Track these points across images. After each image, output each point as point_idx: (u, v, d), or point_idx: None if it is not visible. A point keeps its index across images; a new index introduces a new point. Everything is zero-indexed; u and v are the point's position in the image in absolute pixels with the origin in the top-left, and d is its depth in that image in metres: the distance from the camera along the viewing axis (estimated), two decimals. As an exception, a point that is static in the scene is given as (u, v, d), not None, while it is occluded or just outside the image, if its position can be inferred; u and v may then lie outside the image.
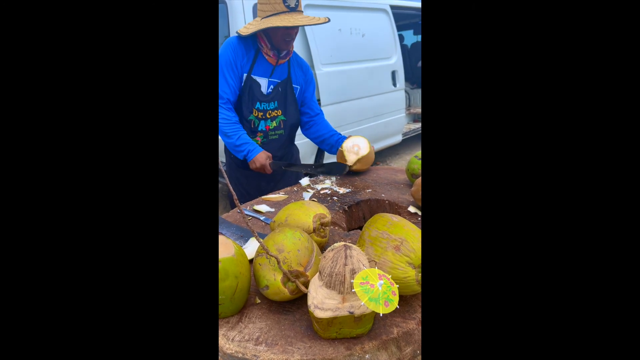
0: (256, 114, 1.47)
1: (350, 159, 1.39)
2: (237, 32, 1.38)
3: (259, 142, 1.52)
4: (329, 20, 1.43)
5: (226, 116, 1.42)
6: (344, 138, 1.54)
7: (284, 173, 1.62)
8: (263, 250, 0.64)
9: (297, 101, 1.57)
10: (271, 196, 1.23)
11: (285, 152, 1.62)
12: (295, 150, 1.71)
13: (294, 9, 1.33)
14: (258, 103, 1.46)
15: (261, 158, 1.41)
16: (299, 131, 1.70)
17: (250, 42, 1.43)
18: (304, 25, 1.33)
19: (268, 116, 1.49)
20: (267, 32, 1.39)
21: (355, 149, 1.42)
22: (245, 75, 1.43)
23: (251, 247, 0.84)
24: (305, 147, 2.73)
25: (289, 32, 1.36)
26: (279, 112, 1.52)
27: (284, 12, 1.32)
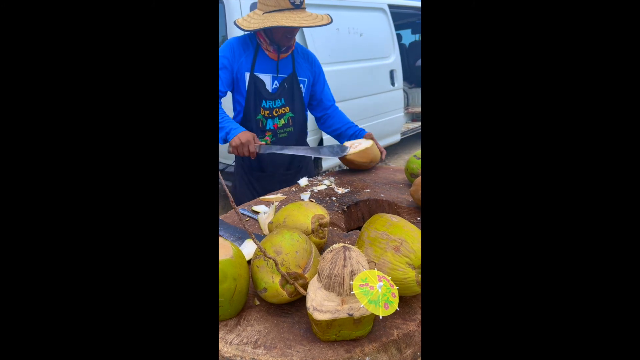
0: (263, 113, 1.45)
1: (349, 152, 1.39)
2: (235, 23, 1.34)
3: (269, 142, 1.49)
4: (332, 21, 1.40)
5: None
6: (364, 132, 1.51)
7: (296, 175, 1.59)
8: (261, 253, 0.64)
9: (305, 96, 1.53)
10: (269, 197, 1.22)
11: None
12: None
13: (299, 6, 1.30)
14: (264, 101, 1.43)
15: (245, 135, 1.28)
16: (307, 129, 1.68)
17: (249, 38, 1.40)
18: (309, 27, 1.29)
19: (275, 114, 1.46)
20: (268, 28, 1.35)
21: (356, 144, 1.41)
22: (248, 74, 1.40)
23: (248, 248, 0.83)
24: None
25: (292, 30, 1.33)
26: (287, 109, 1.48)
27: (288, 9, 1.28)
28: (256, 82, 1.41)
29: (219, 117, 1.34)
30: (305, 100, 1.55)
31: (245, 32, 1.39)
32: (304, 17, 1.29)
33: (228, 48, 1.38)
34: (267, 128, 1.48)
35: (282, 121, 1.49)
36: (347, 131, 1.55)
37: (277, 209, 1.05)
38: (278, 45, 1.39)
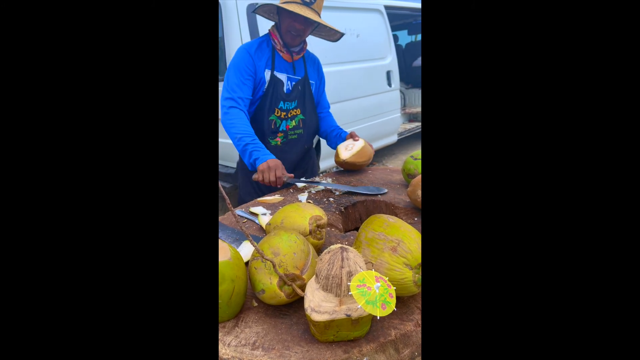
0: (278, 114, 1.45)
1: (344, 155, 1.41)
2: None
3: (279, 143, 1.49)
4: (343, 34, 1.43)
5: (242, 117, 1.35)
6: (345, 133, 1.54)
7: (299, 178, 1.58)
8: (258, 254, 0.64)
9: (314, 99, 1.56)
10: (267, 198, 1.22)
11: (304, 154, 1.59)
12: (312, 153, 1.69)
13: (309, 5, 1.33)
14: (281, 102, 1.44)
15: (274, 160, 1.27)
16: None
17: (265, 43, 1.43)
18: (314, 22, 1.31)
19: (289, 115, 1.48)
20: (278, 26, 1.39)
21: (350, 146, 1.44)
22: (269, 72, 1.41)
23: (245, 250, 0.83)
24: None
25: (294, 26, 1.34)
26: (298, 111, 1.50)
27: (298, 3, 1.31)
28: (276, 83, 1.42)
29: (249, 139, 1.32)
30: (315, 103, 1.57)
31: (256, 13, 1.41)
32: (312, 14, 1.32)
33: (246, 56, 1.37)
34: (280, 129, 1.48)
35: (293, 123, 1.50)
36: (331, 133, 1.60)
37: (274, 211, 1.05)
38: (287, 45, 1.41)
